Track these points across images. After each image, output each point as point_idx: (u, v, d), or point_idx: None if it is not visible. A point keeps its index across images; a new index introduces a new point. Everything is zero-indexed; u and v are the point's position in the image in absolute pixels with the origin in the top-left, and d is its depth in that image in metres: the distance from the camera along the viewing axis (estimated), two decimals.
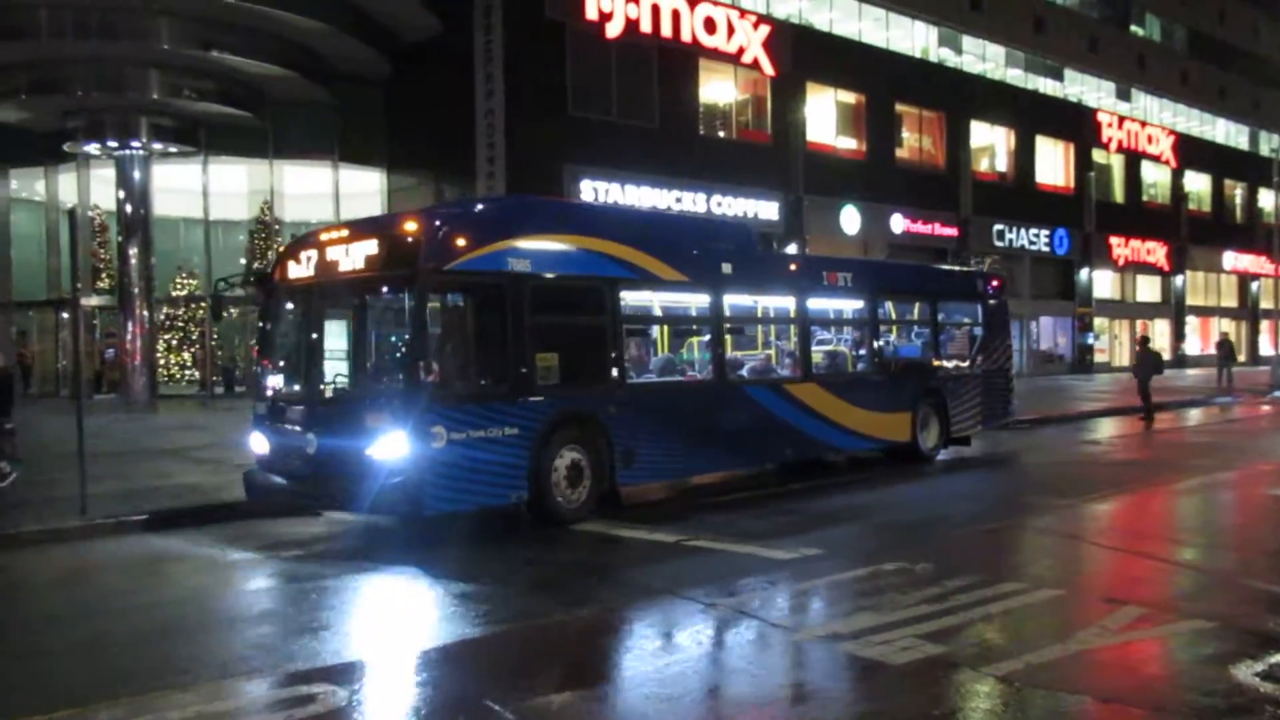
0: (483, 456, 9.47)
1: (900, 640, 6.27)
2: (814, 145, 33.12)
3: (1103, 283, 46.53)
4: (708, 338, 12.75)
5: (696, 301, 12.69)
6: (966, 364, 16.54)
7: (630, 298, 11.52)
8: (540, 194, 26.74)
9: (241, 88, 28.34)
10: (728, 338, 12.93)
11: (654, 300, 12.36)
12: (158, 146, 28.43)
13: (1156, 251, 48.61)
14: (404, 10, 28.10)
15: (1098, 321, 45.85)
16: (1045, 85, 43.83)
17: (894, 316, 16.26)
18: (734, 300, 13.02)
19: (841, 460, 15.26)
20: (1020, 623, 6.83)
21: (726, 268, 12.54)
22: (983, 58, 40.63)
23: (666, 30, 29.36)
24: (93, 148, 28.60)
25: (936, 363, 15.99)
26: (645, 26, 28.87)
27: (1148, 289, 50.05)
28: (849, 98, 35.49)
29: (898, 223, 35.85)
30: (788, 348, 14.49)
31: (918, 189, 36.50)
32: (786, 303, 13.91)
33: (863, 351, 15.14)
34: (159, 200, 29.53)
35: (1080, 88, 45.71)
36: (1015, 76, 42.33)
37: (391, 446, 8.95)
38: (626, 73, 28.88)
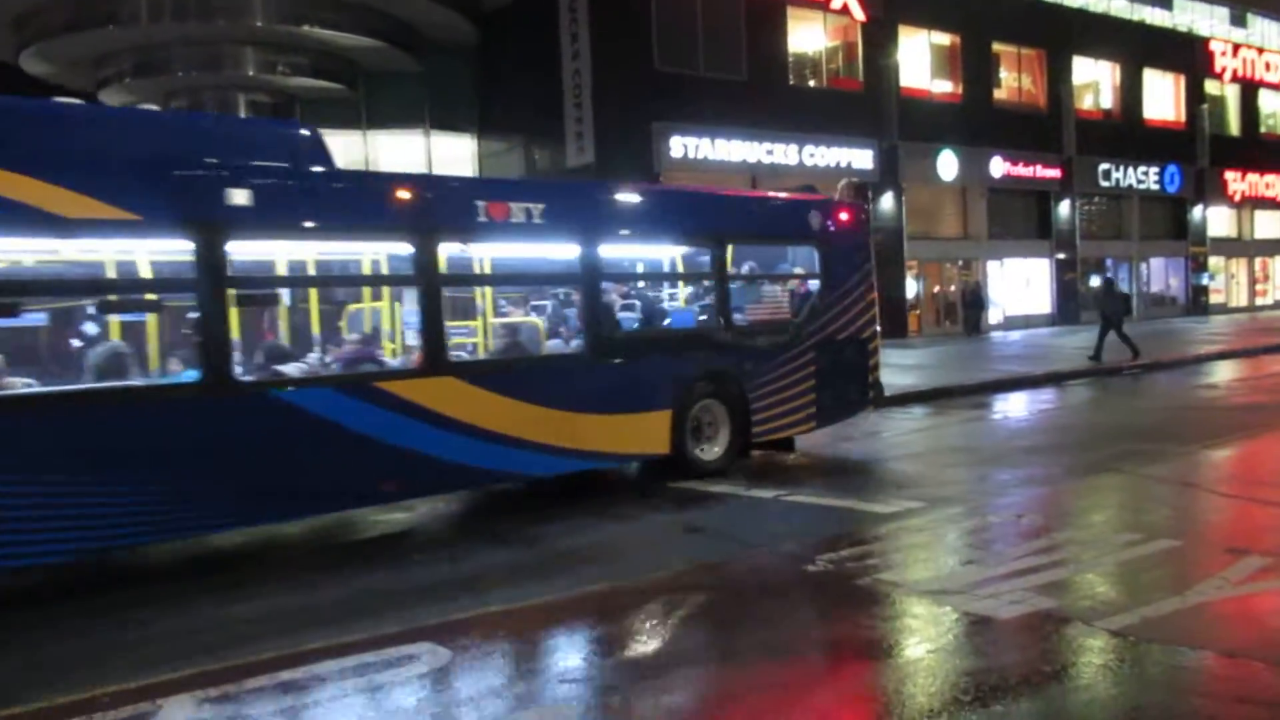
0: None
1: (1009, 594, 6.09)
2: (907, 91, 32.19)
3: (1218, 220, 44.42)
4: (199, 314, 7.58)
5: (165, 254, 8.08)
6: (786, 334, 11.29)
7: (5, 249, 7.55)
8: (631, 154, 26.88)
9: (334, 61, 28.77)
10: (234, 310, 7.89)
11: (64, 254, 7.97)
12: None
13: (1276, 185, 46.22)
14: None
15: (1213, 261, 43.88)
16: (1153, 16, 41.77)
17: (639, 269, 12.08)
18: (255, 250, 8.65)
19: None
20: (1135, 575, 6.58)
21: (237, 196, 7.64)
22: None
23: None
24: None
25: (726, 334, 10.78)
26: None
27: (1268, 225, 47.68)
28: (943, 39, 34.38)
29: (997, 166, 34.71)
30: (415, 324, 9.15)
31: (1017, 130, 35.27)
32: (393, 254, 9.37)
33: (571, 324, 11.03)
34: None
35: (1191, 16, 43.45)
36: (1120, 8, 40.42)
37: None
38: (713, 26, 28.40)
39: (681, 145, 27.04)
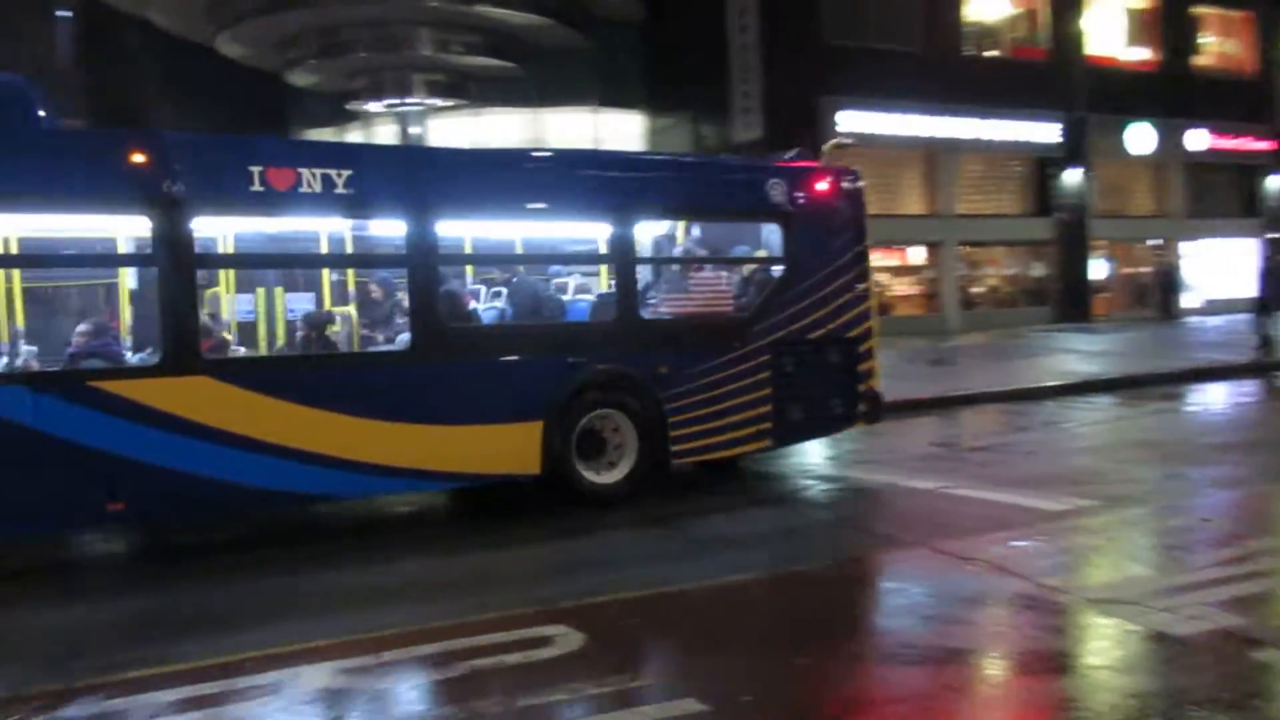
0: None
1: (1188, 607, 5.55)
2: (1096, 59, 30.33)
3: None
4: None
5: None
6: (726, 332, 9.27)
7: None
8: (799, 129, 26.28)
9: (505, 39, 29.28)
10: None
11: None
12: (432, 101, 29.94)
13: None
14: None
15: None
16: None
17: (495, 250, 10.06)
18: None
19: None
20: None
21: None
22: None
23: None
24: (375, 106, 30.47)
25: (631, 330, 8.91)
26: None
27: None
28: (1137, 2, 32.24)
29: (1197, 139, 32.36)
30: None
31: (1221, 101, 32.75)
32: (127, 231, 8.01)
33: (396, 316, 9.40)
34: None
35: None
36: None
37: None
38: None
39: (851, 120, 26.29)
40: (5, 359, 7.78)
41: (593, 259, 9.82)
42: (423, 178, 8.26)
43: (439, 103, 30.13)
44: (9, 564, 7.39)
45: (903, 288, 29.57)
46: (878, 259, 31.46)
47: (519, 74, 30.48)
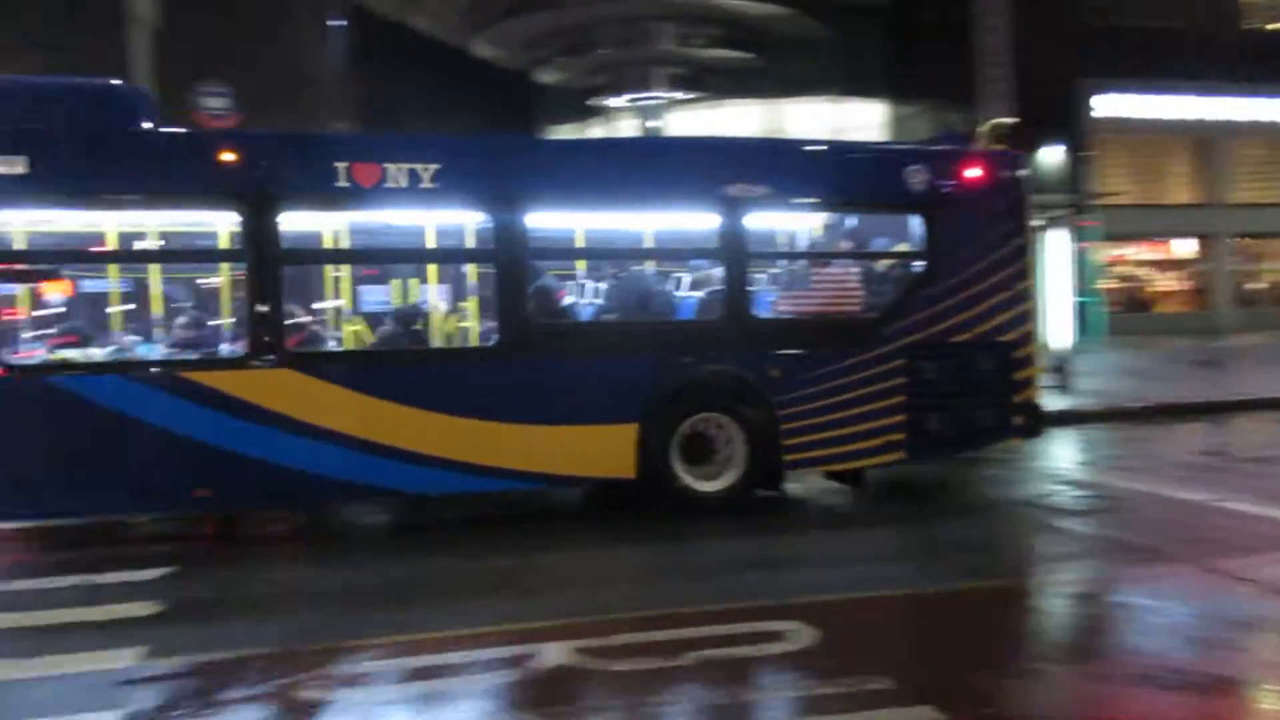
0: None
1: None
2: None
3: None
4: None
5: None
6: (854, 333, 8.68)
7: None
8: (1053, 115, 24.87)
9: (745, 31, 29.31)
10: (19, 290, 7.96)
11: None
12: (672, 94, 30.37)
13: None
14: None
15: None
16: None
17: (594, 244, 9.45)
18: (44, 222, 7.92)
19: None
20: None
21: (12, 166, 7.11)
22: None
23: None
24: (616, 101, 31.22)
25: (741, 328, 8.41)
26: None
27: None
28: None
29: None
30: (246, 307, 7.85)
31: None
32: (220, 228, 8.25)
33: (485, 312, 8.91)
34: None
35: None
36: None
37: None
38: None
39: (1111, 103, 24.66)
40: (105, 349, 8.16)
41: (701, 254, 9.18)
42: (510, 169, 8.04)
43: (679, 96, 30.51)
44: (276, 529, 8.06)
45: (1166, 283, 27.54)
46: (1137, 252, 29.43)
47: (759, 65, 30.41)
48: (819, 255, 9.61)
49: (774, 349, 8.41)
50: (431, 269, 9.54)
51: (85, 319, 8.65)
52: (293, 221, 7.73)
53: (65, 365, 7.55)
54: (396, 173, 7.62)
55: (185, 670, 5.05)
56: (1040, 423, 9.09)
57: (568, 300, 9.03)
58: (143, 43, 12.91)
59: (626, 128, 32.62)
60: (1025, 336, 8.89)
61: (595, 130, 34.50)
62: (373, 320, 9.36)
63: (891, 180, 8.67)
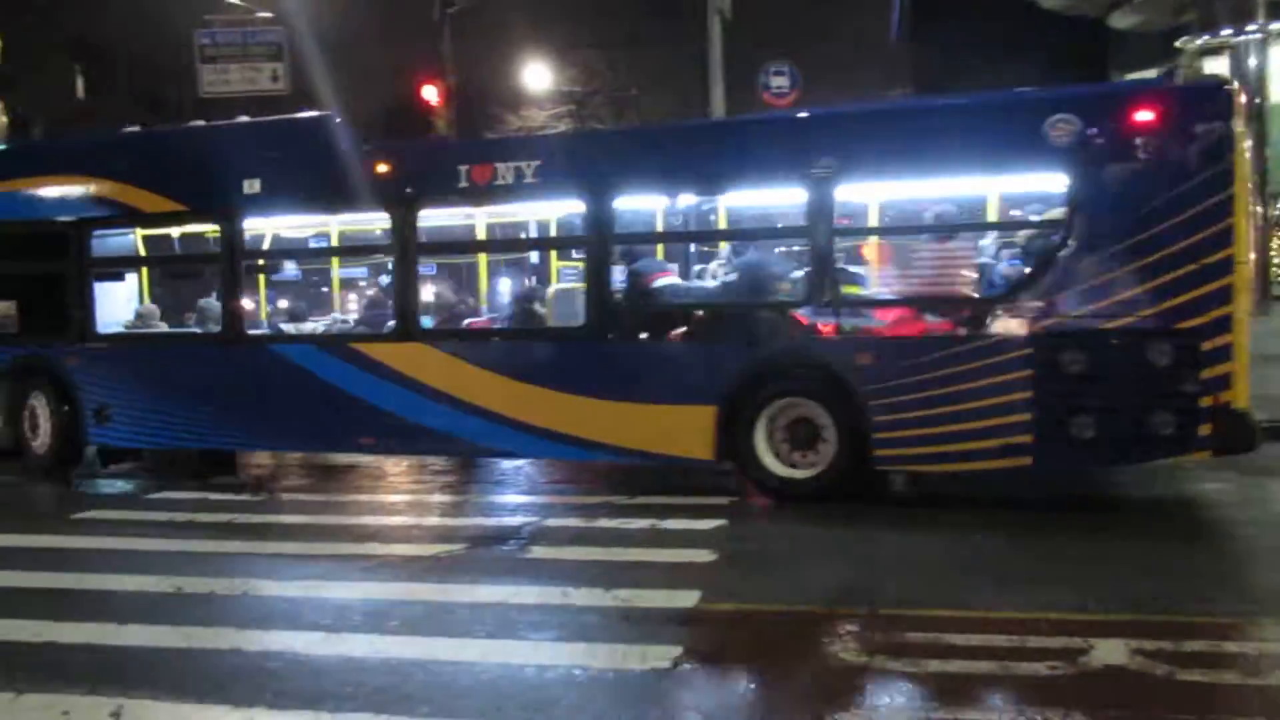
0: None
1: None
2: None
3: None
4: (220, 279, 10.03)
5: (202, 233, 10.65)
6: (961, 315, 7.77)
7: (108, 239, 10.40)
8: None
9: None
10: (247, 279, 10.15)
11: (140, 238, 10.83)
12: (1275, 26, 26.25)
13: None
14: None
15: None
16: None
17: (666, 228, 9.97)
18: (262, 228, 10.44)
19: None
20: None
21: (251, 186, 9.41)
22: None
23: None
24: (1204, 40, 27.71)
25: (823, 310, 7.88)
26: None
27: None
28: None
29: None
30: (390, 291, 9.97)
31: None
32: (380, 223, 9.76)
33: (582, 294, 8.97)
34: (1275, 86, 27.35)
35: None
36: None
37: None
38: None
39: None
40: (305, 325, 10.72)
41: (781, 232, 9.24)
42: (595, 160, 8.63)
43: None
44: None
45: None
46: None
47: None
48: (905, 229, 8.87)
49: (861, 332, 7.98)
50: (537, 257, 11.02)
51: (299, 301, 11.98)
52: (427, 219, 9.23)
53: (276, 337, 10.25)
54: (505, 170, 8.64)
55: (737, 616, 5.41)
56: (1245, 434, 7.08)
57: (660, 283, 8.91)
58: (717, 29, 13.86)
59: (1214, 66, 28.85)
60: (1219, 322, 6.93)
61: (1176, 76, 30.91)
62: (497, 304, 10.97)
63: (1030, 137, 7.28)
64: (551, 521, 7.65)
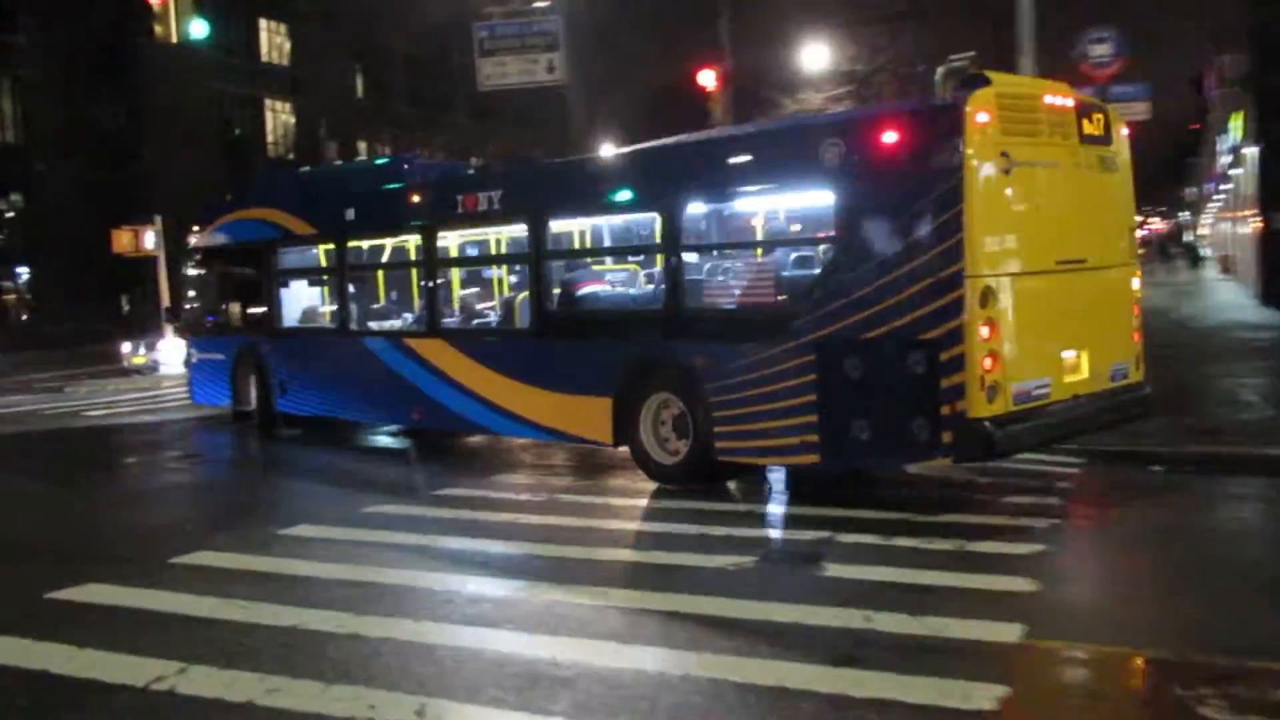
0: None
1: None
2: None
3: None
4: (334, 288, 13.44)
5: (327, 250, 13.46)
6: (767, 322, 8.65)
7: (283, 255, 14.00)
8: None
9: None
10: (350, 286, 13.03)
11: (300, 254, 14.10)
12: None
13: None
14: None
15: None
16: None
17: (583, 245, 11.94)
18: (357, 245, 13.11)
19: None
20: None
21: (349, 213, 12.59)
22: None
23: None
24: None
25: (676, 316, 9.35)
26: None
27: None
28: None
29: None
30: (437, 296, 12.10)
31: None
32: (412, 243, 12.52)
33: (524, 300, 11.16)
34: None
35: None
36: None
37: None
38: None
39: None
40: (371, 322, 13.05)
41: (643, 249, 10.99)
42: (530, 189, 10.97)
43: None
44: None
45: None
46: None
47: None
48: (721, 246, 9.97)
49: (700, 337, 9.07)
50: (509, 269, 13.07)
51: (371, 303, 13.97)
52: (444, 239, 12.04)
53: (360, 331, 12.79)
54: (480, 200, 10.94)
55: (1069, 656, 5.03)
56: (978, 443, 7.40)
57: (583, 292, 10.53)
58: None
59: None
60: (953, 334, 7.37)
61: None
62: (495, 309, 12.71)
63: (806, 158, 8.33)
64: (845, 537, 7.35)
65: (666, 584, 6.45)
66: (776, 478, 9.61)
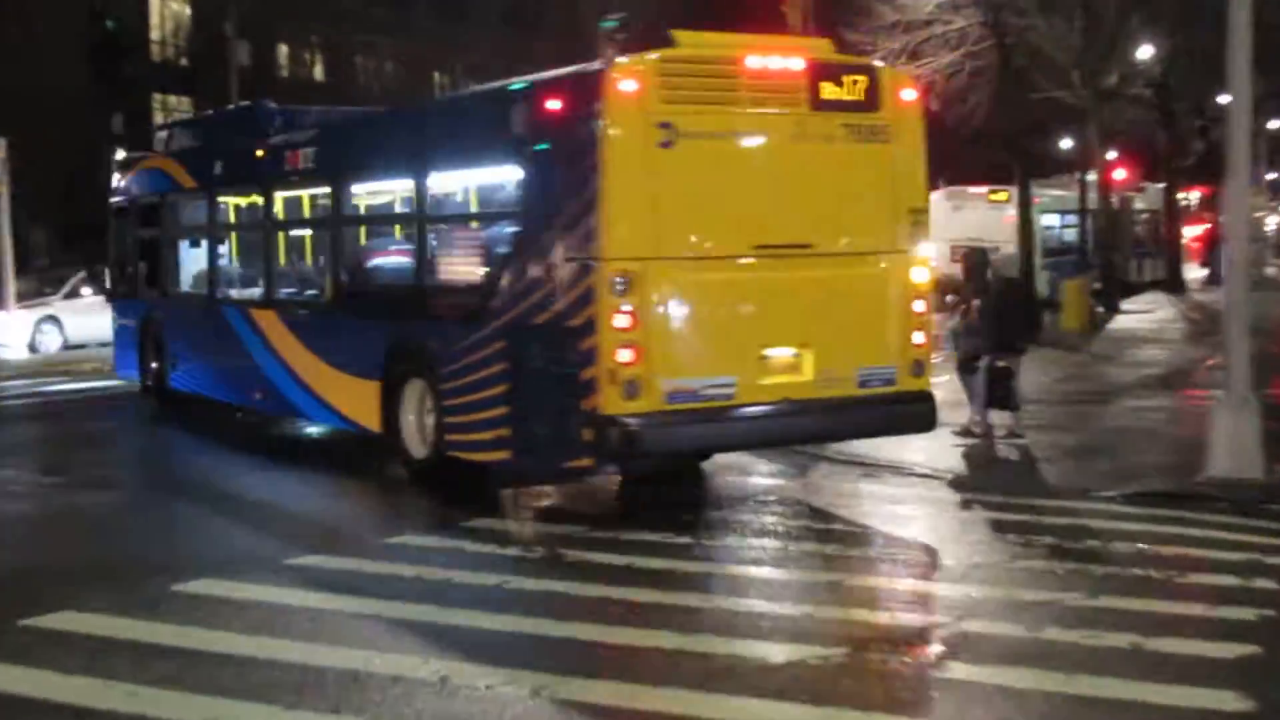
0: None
1: None
2: None
3: None
4: (207, 249, 12.30)
5: (199, 207, 12.59)
6: (472, 307, 8.17)
7: (170, 210, 12.98)
8: None
9: None
10: (218, 248, 12.11)
11: (186, 211, 12.96)
12: None
13: None
14: None
15: None
16: None
17: (371, 209, 10.96)
18: (224, 201, 12.16)
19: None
20: None
21: (217, 166, 11.95)
22: None
23: None
24: None
25: (418, 295, 9.02)
26: None
27: None
28: None
29: None
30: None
31: None
32: (254, 202, 11.55)
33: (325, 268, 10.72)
34: None
35: None
36: None
37: None
38: None
39: None
40: (231, 289, 12.05)
41: (385, 220, 10.85)
42: (334, 142, 10.62)
43: None
44: None
45: None
46: None
47: None
48: (439, 219, 9.36)
49: (429, 320, 8.58)
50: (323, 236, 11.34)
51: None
52: (280, 200, 11.13)
53: (222, 299, 11.84)
54: (297, 156, 10.62)
55: None
56: (624, 445, 6.92)
57: (371, 264, 9.94)
58: None
59: None
60: (590, 323, 6.95)
61: None
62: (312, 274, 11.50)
63: (491, 128, 8.18)
64: (973, 625, 5.57)
65: (709, 681, 4.74)
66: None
